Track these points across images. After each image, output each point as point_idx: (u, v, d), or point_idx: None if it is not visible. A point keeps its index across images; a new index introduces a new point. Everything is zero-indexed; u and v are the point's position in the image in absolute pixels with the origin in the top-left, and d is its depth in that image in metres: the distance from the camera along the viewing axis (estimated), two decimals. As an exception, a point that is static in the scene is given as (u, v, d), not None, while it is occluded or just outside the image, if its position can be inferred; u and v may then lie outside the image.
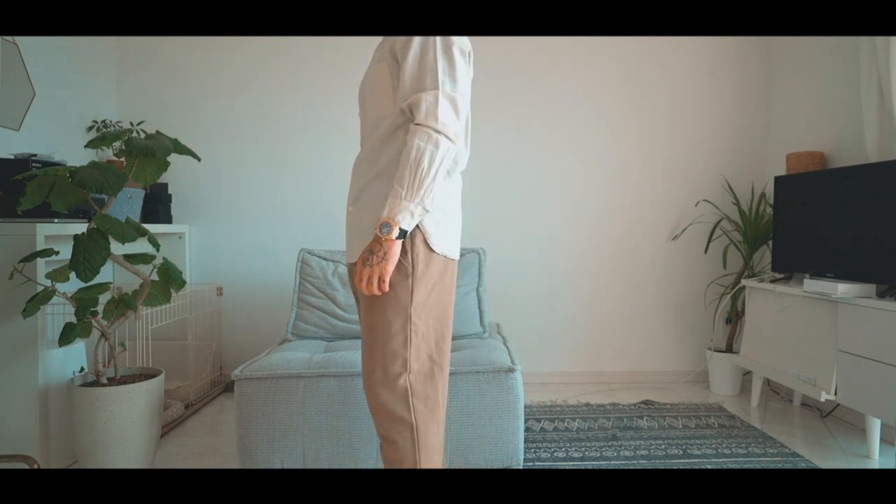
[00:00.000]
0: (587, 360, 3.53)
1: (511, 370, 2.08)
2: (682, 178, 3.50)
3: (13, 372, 2.11)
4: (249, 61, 3.39)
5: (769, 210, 3.33)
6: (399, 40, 1.31)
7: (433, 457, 1.36)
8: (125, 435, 2.07)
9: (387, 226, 1.23)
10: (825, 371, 2.44)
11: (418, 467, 1.34)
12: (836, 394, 2.39)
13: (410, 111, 1.31)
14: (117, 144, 3.10)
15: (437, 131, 1.25)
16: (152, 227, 3.01)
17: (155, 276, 2.29)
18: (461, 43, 1.32)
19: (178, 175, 3.41)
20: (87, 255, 1.93)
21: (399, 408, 1.33)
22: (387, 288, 1.27)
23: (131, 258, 2.15)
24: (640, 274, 3.52)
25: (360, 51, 3.40)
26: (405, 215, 1.24)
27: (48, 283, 2.23)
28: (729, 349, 3.28)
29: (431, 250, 1.35)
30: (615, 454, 2.36)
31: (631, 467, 2.26)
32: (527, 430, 2.63)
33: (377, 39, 3.31)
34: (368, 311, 1.34)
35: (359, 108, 1.50)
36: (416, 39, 1.28)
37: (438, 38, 1.28)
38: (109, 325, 2.16)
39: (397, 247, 1.26)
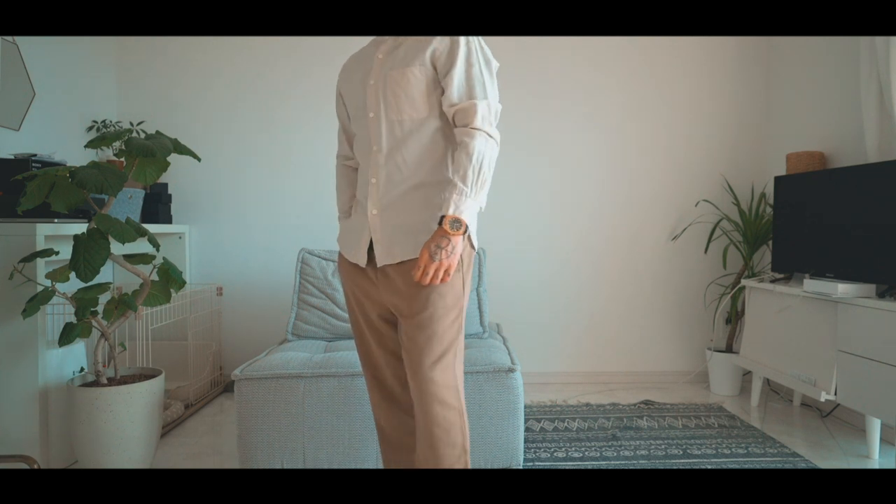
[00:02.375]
0: (587, 360, 3.53)
1: (511, 370, 2.08)
2: (682, 179, 3.50)
3: (13, 372, 2.11)
4: (249, 61, 3.39)
5: (769, 210, 3.33)
6: (437, 48, 1.38)
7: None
8: (125, 435, 2.07)
9: (457, 222, 1.31)
10: (825, 371, 2.44)
11: (467, 453, 1.43)
12: (835, 394, 2.39)
13: (456, 116, 1.40)
14: (117, 144, 3.10)
15: (491, 136, 1.38)
16: (152, 228, 3.01)
17: (155, 277, 2.29)
18: (494, 59, 1.47)
19: (178, 175, 3.41)
20: (87, 256, 1.93)
21: (451, 395, 1.41)
22: (448, 279, 1.35)
23: (131, 258, 2.15)
24: (640, 274, 3.52)
25: (360, 51, 3.40)
26: (471, 212, 1.34)
27: (48, 283, 2.23)
28: (729, 349, 3.28)
29: (472, 245, 1.45)
30: (615, 454, 2.36)
31: (631, 467, 2.26)
32: (527, 430, 2.63)
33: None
34: (424, 305, 1.38)
35: (368, 109, 1.43)
36: (461, 50, 1.38)
37: (479, 51, 1.41)
38: (109, 326, 2.16)
39: (462, 241, 1.34)
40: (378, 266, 1.44)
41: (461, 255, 1.41)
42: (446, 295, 1.40)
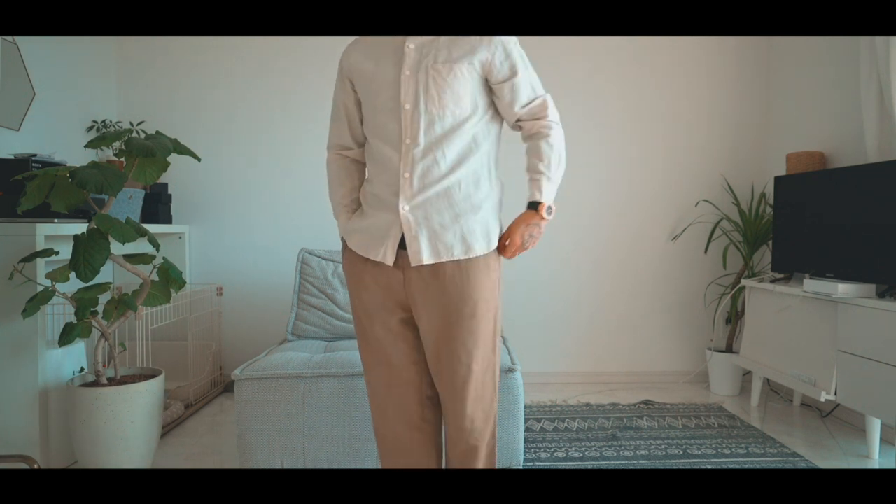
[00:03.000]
0: (587, 360, 3.53)
1: (511, 370, 2.08)
2: (682, 179, 3.50)
3: (13, 372, 2.11)
4: (250, 62, 3.39)
5: (769, 210, 3.33)
6: (488, 57, 1.40)
7: None
8: (125, 435, 2.07)
9: (550, 208, 1.43)
10: (825, 371, 2.44)
11: (495, 454, 1.50)
12: (835, 394, 2.39)
13: (527, 112, 1.45)
14: (117, 144, 3.10)
15: (560, 127, 1.48)
16: (152, 228, 3.01)
17: (155, 277, 2.29)
18: None
19: (178, 175, 3.41)
20: (87, 256, 1.93)
21: (493, 398, 1.47)
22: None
23: (131, 258, 2.15)
24: (640, 274, 3.52)
25: (360, 51, 3.40)
26: (553, 198, 1.45)
27: (48, 283, 2.23)
28: (729, 349, 3.27)
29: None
30: (615, 454, 2.36)
31: (631, 467, 2.26)
32: (527, 430, 2.63)
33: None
34: (475, 307, 1.39)
35: (403, 100, 1.37)
36: (516, 54, 1.42)
37: (523, 51, 1.45)
38: (109, 326, 2.16)
39: None
40: (413, 265, 1.38)
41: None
42: (490, 300, 1.41)
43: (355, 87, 1.47)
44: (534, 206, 1.42)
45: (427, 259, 1.37)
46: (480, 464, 1.47)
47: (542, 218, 1.41)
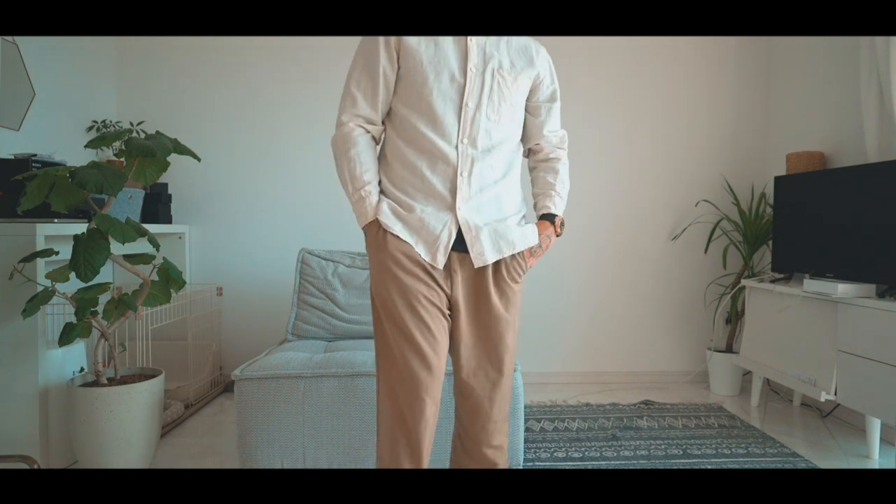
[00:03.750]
0: (587, 360, 3.53)
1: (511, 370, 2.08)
2: (682, 179, 3.50)
3: (13, 372, 2.11)
4: (250, 62, 3.39)
5: (769, 210, 3.33)
6: (542, 74, 1.48)
7: None
8: (125, 435, 2.07)
9: (563, 223, 1.50)
10: (825, 371, 2.44)
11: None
12: (835, 394, 2.39)
13: (554, 138, 1.54)
14: (117, 144, 3.10)
15: None
16: (152, 228, 3.01)
17: (155, 277, 2.29)
18: None
19: (178, 175, 3.41)
20: (87, 256, 1.93)
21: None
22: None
23: (131, 258, 2.15)
24: (640, 274, 3.52)
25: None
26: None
27: (48, 283, 2.23)
28: (729, 349, 3.27)
29: None
30: (615, 454, 2.36)
31: (631, 467, 2.26)
32: (527, 430, 2.63)
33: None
34: (509, 312, 1.41)
35: (466, 95, 1.33)
36: (555, 74, 1.53)
37: None
38: (109, 326, 2.16)
39: None
40: (476, 266, 1.35)
41: None
42: (518, 303, 1.46)
43: (400, 60, 1.35)
44: (550, 217, 1.47)
45: (491, 257, 1.35)
46: (503, 461, 1.46)
47: (557, 231, 1.47)
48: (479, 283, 1.38)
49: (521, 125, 1.48)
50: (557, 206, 1.49)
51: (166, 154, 2.04)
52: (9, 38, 2.55)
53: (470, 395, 1.41)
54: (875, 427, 2.34)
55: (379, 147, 1.48)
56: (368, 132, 1.41)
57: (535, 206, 1.53)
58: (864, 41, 2.58)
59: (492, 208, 1.38)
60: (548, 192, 1.50)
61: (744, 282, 3.07)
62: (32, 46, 2.70)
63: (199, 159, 2.10)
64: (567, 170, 1.54)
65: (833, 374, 2.40)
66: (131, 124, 3.36)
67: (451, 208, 1.35)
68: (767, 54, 3.49)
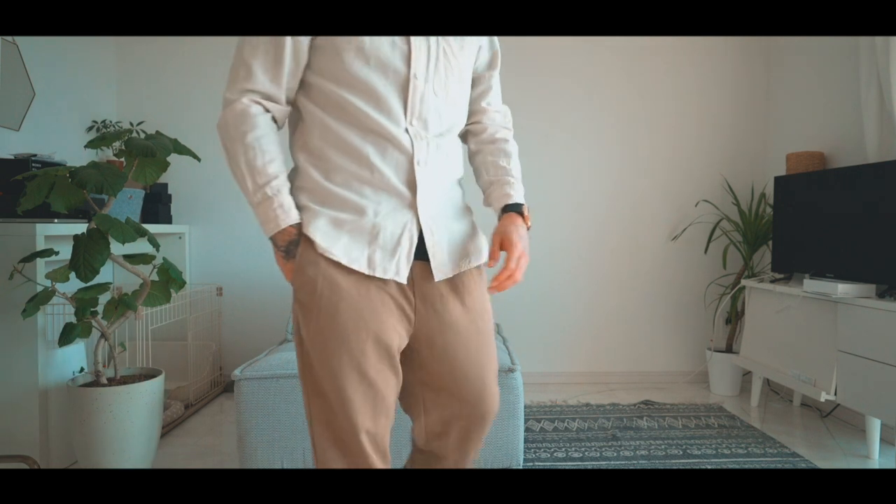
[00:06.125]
0: (587, 360, 3.53)
1: (511, 370, 2.08)
2: (682, 179, 3.50)
3: (13, 372, 2.11)
4: (249, 61, 3.39)
5: (769, 210, 3.33)
6: (482, 43, 1.21)
7: None
8: (125, 435, 2.07)
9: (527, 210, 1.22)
10: (825, 371, 2.44)
11: None
12: (835, 394, 2.39)
13: (498, 116, 1.28)
14: (117, 144, 3.10)
15: None
16: (152, 228, 3.01)
17: (155, 277, 2.28)
18: None
19: (177, 175, 3.40)
20: (87, 256, 1.93)
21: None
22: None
23: (131, 258, 2.15)
24: (640, 274, 3.51)
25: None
26: None
27: (48, 283, 2.23)
28: (729, 349, 3.27)
29: None
30: (615, 454, 2.36)
31: (631, 467, 2.26)
32: (527, 430, 2.63)
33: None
34: (489, 314, 1.19)
35: (412, 66, 1.06)
36: (499, 51, 1.26)
37: None
38: (109, 326, 2.16)
39: None
40: (437, 280, 1.10)
41: None
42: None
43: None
44: (515, 208, 1.18)
45: (450, 270, 1.12)
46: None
47: (526, 220, 1.17)
48: (463, 291, 1.14)
49: (466, 107, 1.21)
50: (520, 194, 1.20)
51: (166, 154, 2.04)
52: (8, 38, 2.55)
53: (440, 460, 1.17)
54: (875, 427, 2.34)
55: (296, 133, 1.12)
56: (269, 111, 1.07)
57: (487, 198, 1.25)
58: (864, 41, 2.58)
59: (449, 206, 1.15)
60: (504, 178, 1.21)
61: (744, 282, 3.07)
62: (32, 46, 2.70)
63: (199, 159, 2.10)
64: (517, 153, 1.29)
65: (833, 374, 2.40)
66: (131, 124, 3.36)
67: (412, 206, 1.08)
68: (767, 54, 3.49)
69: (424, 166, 1.08)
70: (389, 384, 1.07)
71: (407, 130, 1.06)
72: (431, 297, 1.11)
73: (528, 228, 1.16)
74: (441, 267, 1.11)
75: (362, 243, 1.05)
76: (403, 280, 1.07)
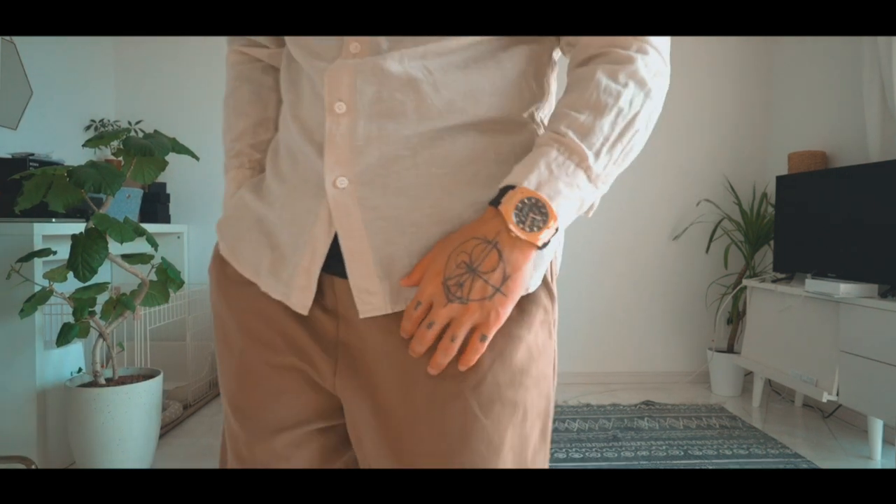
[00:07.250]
0: (587, 360, 3.52)
1: (511, 370, 2.07)
2: (683, 178, 3.50)
3: (10, 372, 2.10)
4: (249, 61, 3.39)
5: (771, 210, 3.32)
6: None
7: None
8: (123, 436, 2.06)
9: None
10: (827, 371, 2.43)
11: None
12: (837, 394, 2.38)
13: None
14: (115, 144, 3.08)
15: None
16: (150, 227, 3.00)
17: (153, 276, 2.28)
18: None
19: (176, 175, 3.40)
20: (85, 255, 1.92)
21: None
22: None
23: (129, 258, 2.15)
24: (641, 274, 3.51)
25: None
26: None
27: (46, 283, 2.22)
28: (730, 349, 3.27)
29: None
30: (616, 455, 2.35)
31: (632, 468, 2.25)
32: (527, 430, 2.62)
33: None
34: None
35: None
36: None
37: None
38: (107, 326, 2.15)
39: None
40: (362, 317, 0.66)
41: None
42: None
43: None
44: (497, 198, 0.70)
45: (392, 306, 0.70)
46: None
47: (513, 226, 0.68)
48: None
49: None
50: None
51: (165, 153, 2.04)
52: (6, 37, 2.54)
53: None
54: (877, 428, 2.33)
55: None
56: (248, 53, 0.85)
57: None
58: (866, 41, 2.57)
59: (427, 173, 0.71)
60: None
61: (745, 282, 3.06)
62: (30, 45, 2.70)
63: (197, 158, 2.09)
64: None
65: (835, 374, 2.39)
66: (129, 123, 3.35)
67: (325, 184, 0.73)
68: (769, 54, 3.48)
69: (348, 109, 0.71)
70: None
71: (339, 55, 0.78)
72: (366, 335, 0.70)
73: (545, 243, 0.65)
74: (364, 293, 0.67)
75: (244, 236, 0.82)
76: (304, 309, 0.73)
